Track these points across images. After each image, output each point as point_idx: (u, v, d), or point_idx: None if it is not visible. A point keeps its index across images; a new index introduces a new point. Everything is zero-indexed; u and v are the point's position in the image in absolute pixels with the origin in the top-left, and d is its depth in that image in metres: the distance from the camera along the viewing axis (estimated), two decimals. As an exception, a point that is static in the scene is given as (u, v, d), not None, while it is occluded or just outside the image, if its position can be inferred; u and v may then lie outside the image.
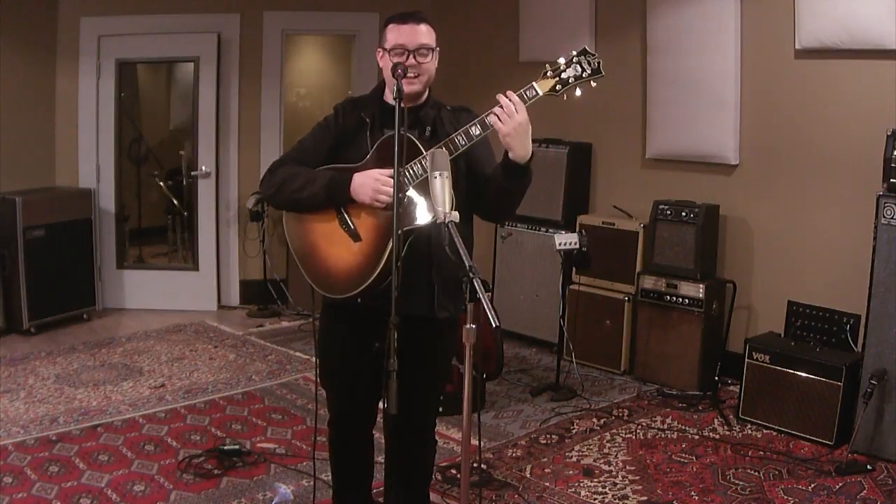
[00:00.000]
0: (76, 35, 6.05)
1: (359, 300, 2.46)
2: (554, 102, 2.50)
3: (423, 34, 2.48)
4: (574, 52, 2.44)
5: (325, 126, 2.63)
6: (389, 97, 2.54)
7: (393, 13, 2.55)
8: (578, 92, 2.44)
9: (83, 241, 5.97)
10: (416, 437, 2.72)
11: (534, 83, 2.42)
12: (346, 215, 2.49)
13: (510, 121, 2.34)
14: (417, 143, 2.40)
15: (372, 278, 2.40)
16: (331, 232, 2.50)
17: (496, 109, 2.36)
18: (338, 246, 2.49)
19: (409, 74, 2.42)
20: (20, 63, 5.83)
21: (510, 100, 2.35)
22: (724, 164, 4.86)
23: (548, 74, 2.43)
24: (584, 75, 2.43)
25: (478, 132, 2.39)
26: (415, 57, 2.45)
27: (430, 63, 2.50)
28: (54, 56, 6.04)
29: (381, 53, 2.54)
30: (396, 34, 2.47)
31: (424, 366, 2.59)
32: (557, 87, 2.42)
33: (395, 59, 2.44)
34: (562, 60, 2.44)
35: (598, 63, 2.44)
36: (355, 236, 2.47)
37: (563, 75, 2.43)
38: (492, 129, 2.38)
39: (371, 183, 2.40)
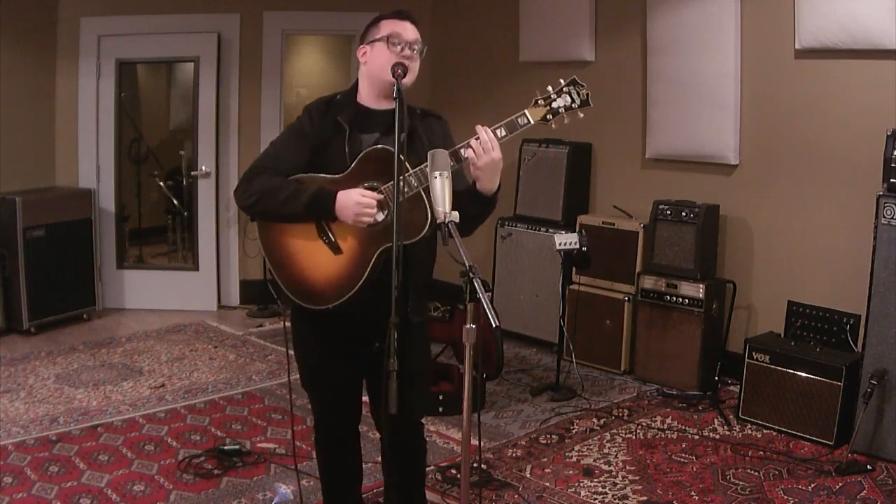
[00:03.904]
0: (76, 35, 6.05)
1: (329, 307, 2.45)
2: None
3: (417, 32, 2.50)
4: (562, 82, 2.45)
5: (299, 131, 2.55)
6: (365, 98, 2.54)
7: (382, 13, 2.54)
8: (566, 121, 2.46)
9: (83, 241, 5.97)
10: (401, 437, 2.71)
11: (525, 111, 2.42)
12: (326, 228, 2.47)
13: (484, 156, 2.33)
14: (403, 160, 2.35)
15: (353, 291, 2.40)
16: (309, 243, 2.48)
17: (472, 143, 2.35)
18: (317, 257, 2.47)
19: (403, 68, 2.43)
20: (20, 63, 5.83)
21: (487, 135, 2.34)
22: (724, 164, 4.86)
23: (539, 103, 2.44)
24: (573, 106, 2.45)
25: (452, 164, 2.33)
26: (410, 50, 2.46)
27: (418, 63, 2.50)
28: (54, 56, 6.04)
29: (365, 50, 2.52)
30: (394, 25, 2.48)
31: (402, 367, 2.59)
32: (548, 117, 2.44)
33: (392, 49, 2.43)
34: (550, 89, 2.45)
35: (587, 95, 2.45)
36: (336, 249, 2.46)
37: (554, 105, 2.44)
38: (466, 160, 2.37)
39: (353, 207, 2.37)
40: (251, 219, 2.66)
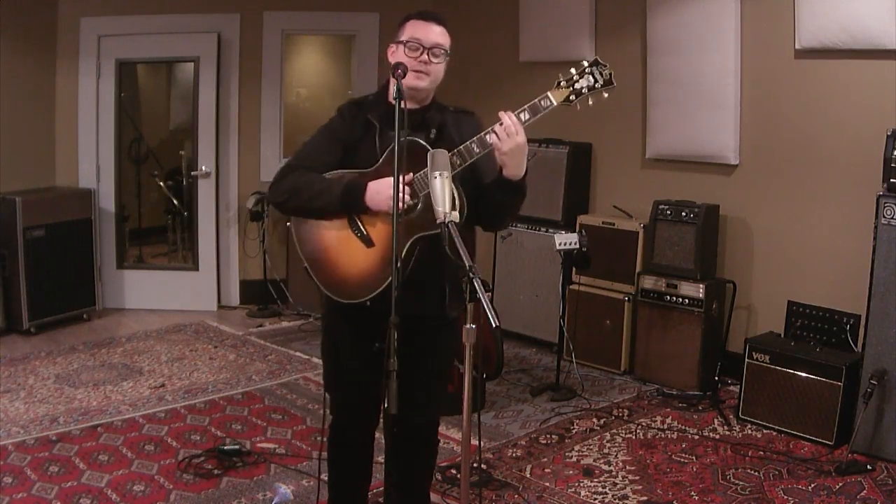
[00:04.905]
0: (76, 35, 6.04)
1: (367, 303, 2.46)
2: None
3: (441, 35, 2.50)
4: (585, 63, 2.46)
5: (331, 130, 2.60)
6: (393, 97, 2.54)
7: (411, 12, 2.56)
8: (591, 102, 2.46)
9: (83, 241, 5.96)
10: (420, 436, 2.73)
11: (548, 93, 2.43)
12: (358, 221, 2.50)
13: (509, 140, 2.35)
14: (429, 148, 2.38)
15: (387, 283, 2.40)
16: (343, 237, 2.51)
17: (496, 128, 2.37)
18: (350, 251, 2.49)
19: (418, 69, 2.44)
20: (20, 63, 5.83)
21: (510, 120, 2.36)
22: (724, 164, 4.86)
23: (561, 84, 2.45)
24: (596, 86, 2.45)
25: (477, 150, 2.40)
26: (428, 55, 2.46)
27: (441, 66, 2.51)
28: (54, 56, 6.04)
29: (393, 49, 2.54)
30: (415, 28, 2.49)
31: (430, 364, 2.61)
32: (571, 98, 2.45)
33: (410, 54, 2.45)
34: (573, 70, 2.45)
35: (610, 74, 2.46)
36: (368, 242, 2.48)
37: (577, 86, 2.44)
38: (491, 147, 2.39)
39: (386, 191, 2.39)
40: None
